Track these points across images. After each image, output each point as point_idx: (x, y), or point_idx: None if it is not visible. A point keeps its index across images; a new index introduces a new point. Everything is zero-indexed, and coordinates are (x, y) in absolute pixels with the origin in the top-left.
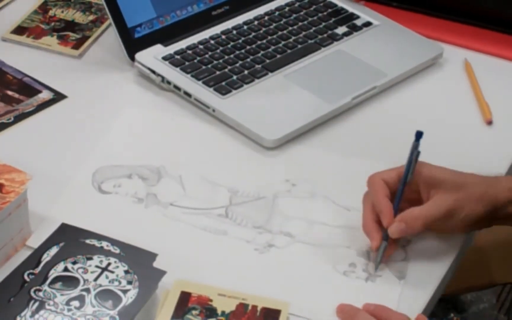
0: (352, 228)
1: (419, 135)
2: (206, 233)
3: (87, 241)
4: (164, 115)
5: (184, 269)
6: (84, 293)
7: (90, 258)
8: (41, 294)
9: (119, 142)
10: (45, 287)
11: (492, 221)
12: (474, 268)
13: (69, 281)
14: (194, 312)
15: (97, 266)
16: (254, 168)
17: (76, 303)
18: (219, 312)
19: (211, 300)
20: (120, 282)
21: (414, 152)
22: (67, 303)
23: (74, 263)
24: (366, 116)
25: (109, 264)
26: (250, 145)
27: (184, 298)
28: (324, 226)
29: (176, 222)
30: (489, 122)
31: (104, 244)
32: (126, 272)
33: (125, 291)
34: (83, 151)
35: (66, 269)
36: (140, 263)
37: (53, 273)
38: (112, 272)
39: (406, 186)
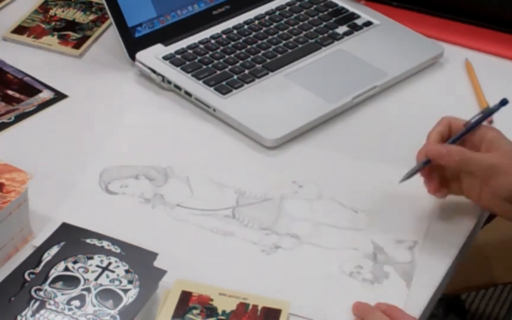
0: (359, 230)
1: (504, 102)
2: (213, 234)
3: (88, 240)
4: (166, 115)
5: (190, 270)
6: (84, 292)
7: (91, 258)
8: (41, 293)
9: (125, 143)
10: (46, 286)
11: None
12: (474, 268)
13: (70, 281)
14: (194, 311)
15: (97, 266)
16: (255, 168)
17: (76, 303)
18: (219, 311)
19: (211, 300)
20: (120, 282)
21: (490, 110)
22: (68, 302)
23: (75, 262)
24: (367, 116)
25: (109, 263)
26: (250, 144)
27: (185, 297)
28: (331, 228)
29: (182, 223)
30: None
31: (105, 243)
32: (127, 271)
33: (125, 291)
34: (84, 150)
35: (66, 269)
36: (141, 262)
37: (53, 273)
38: (112, 271)
39: (466, 137)
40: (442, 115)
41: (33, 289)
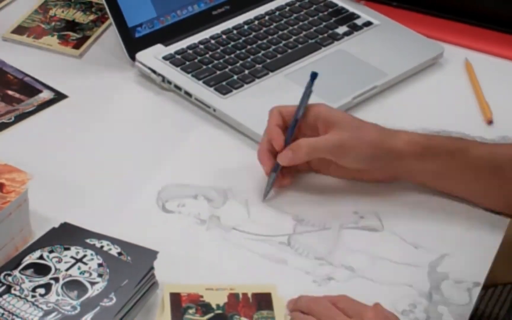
0: (417, 267)
1: (314, 76)
2: (265, 261)
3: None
4: (166, 115)
5: None
6: (52, 281)
7: (68, 249)
8: (10, 278)
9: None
10: (16, 272)
11: (394, 174)
12: None
13: (41, 269)
14: (190, 311)
15: (72, 257)
16: (255, 168)
17: (42, 291)
18: (213, 306)
19: (201, 296)
20: (90, 274)
21: (307, 91)
22: (33, 289)
23: (50, 252)
24: (367, 116)
25: (84, 255)
26: (250, 144)
27: (175, 299)
28: (388, 262)
29: (236, 247)
30: (490, 122)
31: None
32: (100, 265)
33: (93, 283)
34: (84, 150)
35: (41, 257)
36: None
37: (27, 260)
38: (85, 264)
39: (299, 122)
40: (442, 115)
41: (2, 274)
